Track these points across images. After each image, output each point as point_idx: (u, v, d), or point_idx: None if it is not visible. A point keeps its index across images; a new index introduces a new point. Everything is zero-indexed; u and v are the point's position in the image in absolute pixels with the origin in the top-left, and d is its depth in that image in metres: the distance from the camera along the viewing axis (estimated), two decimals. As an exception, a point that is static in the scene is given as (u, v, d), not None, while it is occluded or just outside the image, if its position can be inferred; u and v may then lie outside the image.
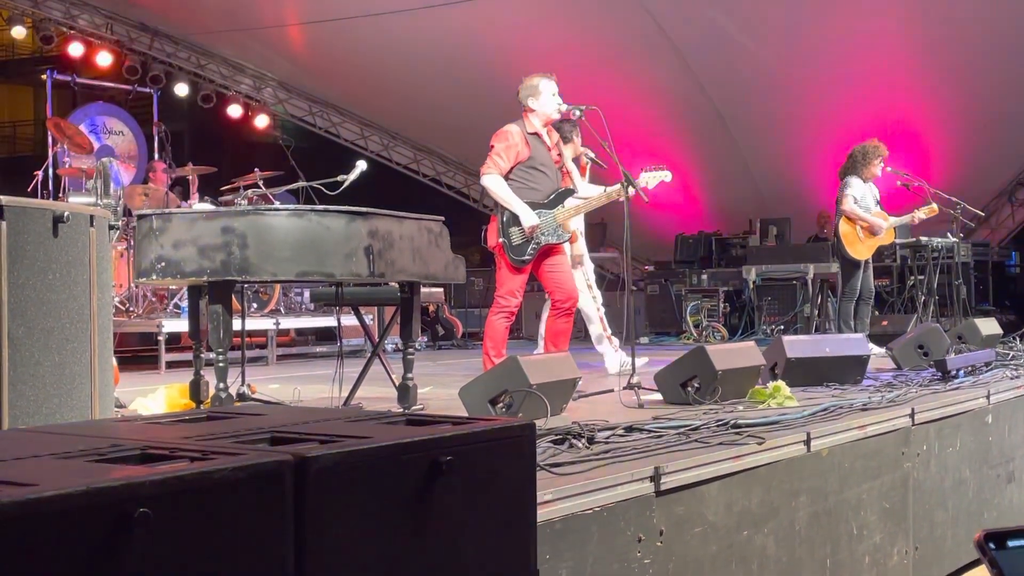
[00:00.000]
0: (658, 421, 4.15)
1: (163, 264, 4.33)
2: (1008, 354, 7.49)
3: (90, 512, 1.39)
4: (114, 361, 4.06)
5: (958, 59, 11.44)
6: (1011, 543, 1.16)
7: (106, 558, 1.40)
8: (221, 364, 4.46)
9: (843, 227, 8.68)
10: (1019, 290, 12.75)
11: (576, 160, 7.31)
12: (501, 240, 5.93)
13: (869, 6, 11.04)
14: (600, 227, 13.29)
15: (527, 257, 5.91)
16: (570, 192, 6.11)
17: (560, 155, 6.16)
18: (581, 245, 7.32)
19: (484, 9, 11.76)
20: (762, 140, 13.33)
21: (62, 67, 13.53)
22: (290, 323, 10.15)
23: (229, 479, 1.57)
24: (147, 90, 13.41)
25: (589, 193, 6.20)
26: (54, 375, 3.20)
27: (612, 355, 7.41)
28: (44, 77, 12.96)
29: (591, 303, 7.46)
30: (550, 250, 6.01)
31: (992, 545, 1.16)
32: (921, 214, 8.86)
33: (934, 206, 8.90)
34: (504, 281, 5.98)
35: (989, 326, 8.03)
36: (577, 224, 7.17)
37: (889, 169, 8.92)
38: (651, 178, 6.11)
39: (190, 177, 10.32)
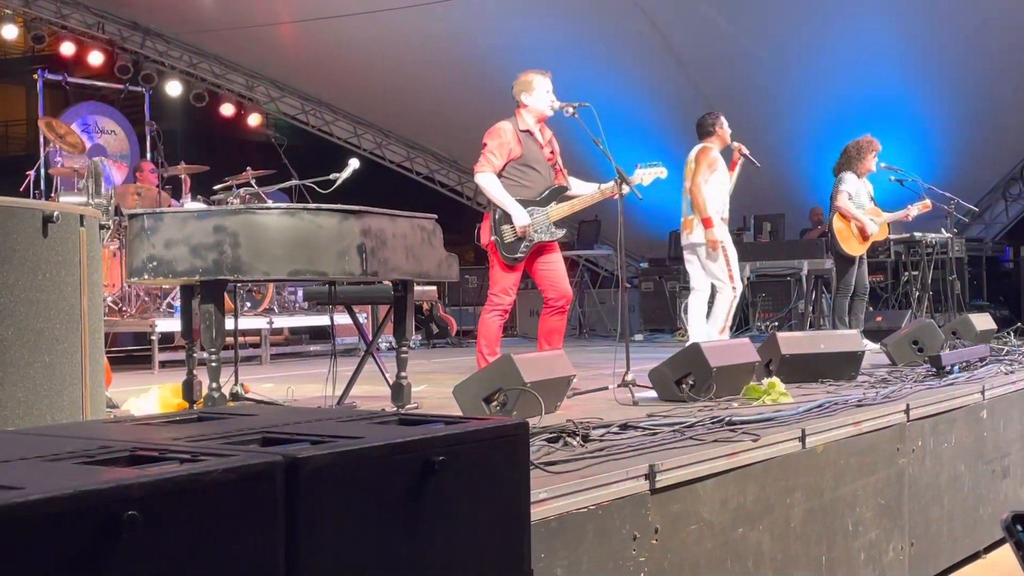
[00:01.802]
0: (653, 418, 4.14)
1: (155, 264, 4.31)
2: (1002, 349, 7.50)
3: (78, 515, 1.37)
4: (106, 361, 4.04)
5: (953, 55, 11.45)
6: None
7: (94, 562, 1.38)
8: (214, 364, 4.44)
9: (837, 223, 8.69)
10: (1013, 285, 12.76)
11: (728, 153, 7.57)
12: (493, 238, 5.91)
13: (864, 3, 11.04)
14: (594, 224, 13.29)
15: (520, 255, 5.89)
16: (563, 189, 6.09)
17: (554, 152, 6.14)
18: (723, 232, 7.48)
19: (478, 6, 11.75)
20: (755, 136, 13.28)
21: (54, 66, 13.49)
22: (284, 322, 10.13)
23: (219, 481, 1.55)
24: (139, 89, 13.37)
25: (583, 190, 6.19)
26: (45, 376, 3.18)
27: None
28: (36, 76, 12.91)
29: (730, 293, 7.52)
30: (543, 248, 6.00)
31: (1020, 527, 1.16)
32: (915, 209, 8.87)
33: (927, 201, 8.92)
34: (497, 279, 5.97)
35: (983, 321, 8.05)
36: (720, 209, 7.47)
37: (883, 165, 8.92)
38: (646, 174, 6.09)
39: (182, 176, 10.28)
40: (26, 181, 10.26)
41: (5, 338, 3.04)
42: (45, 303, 3.18)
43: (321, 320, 10.07)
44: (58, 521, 1.35)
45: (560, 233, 6.05)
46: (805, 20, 11.41)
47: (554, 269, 6.05)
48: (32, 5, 12.72)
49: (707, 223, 7.43)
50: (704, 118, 7.79)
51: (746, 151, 7.69)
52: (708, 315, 7.65)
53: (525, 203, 5.90)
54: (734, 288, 7.46)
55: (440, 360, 9.23)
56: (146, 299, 9.17)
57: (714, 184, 7.53)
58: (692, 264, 7.73)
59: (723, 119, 7.74)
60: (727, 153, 7.75)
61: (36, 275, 3.15)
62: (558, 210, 5.98)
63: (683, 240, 7.73)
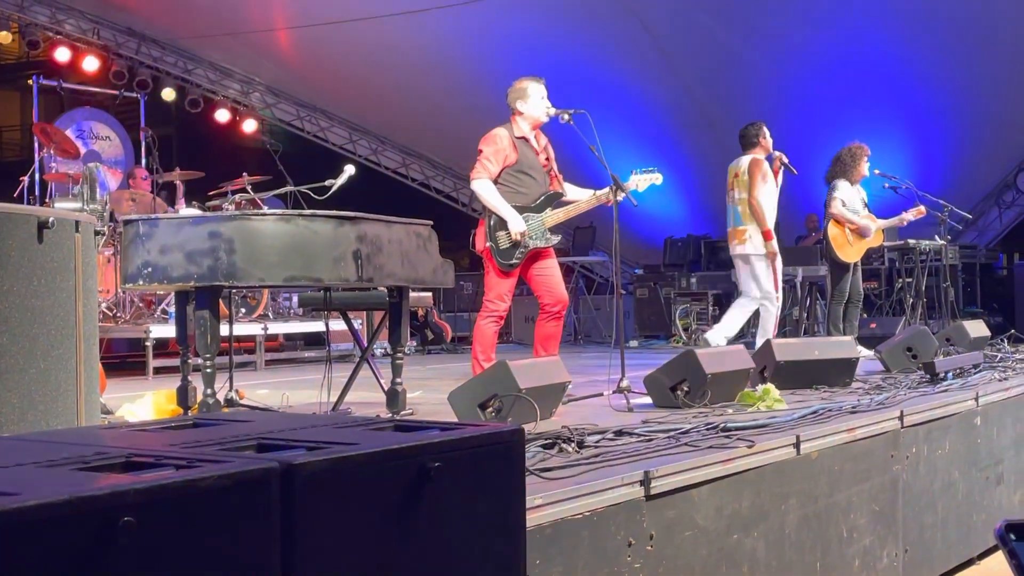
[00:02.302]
0: (648, 425, 4.15)
1: (150, 270, 4.31)
2: (996, 356, 7.51)
3: (74, 521, 1.38)
4: (100, 367, 4.04)
5: (946, 62, 11.48)
6: None
7: (90, 567, 1.39)
8: (209, 370, 4.44)
9: (832, 230, 8.71)
10: (1007, 292, 12.79)
11: (770, 162, 7.88)
12: (489, 244, 5.92)
13: (859, 8, 11.08)
14: (589, 230, 13.30)
15: (515, 261, 5.90)
16: (558, 195, 6.10)
17: (548, 159, 6.15)
18: (773, 243, 7.77)
19: (473, 13, 11.77)
20: (750, 143, 13.33)
21: (48, 72, 13.47)
22: (278, 328, 10.11)
23: (215, 487, 1.56)
24: (134, 95, 13.35)
25: (578, 196, 6.21)
26: (39, 382, 3.17)
27: None
28: (30, 82, 12.89)
29: (775, 304, 7.80)
30: (538, 254, 6.01)
31: (1013, 536, 1.17)
32: (909, 216, 8.90)
33: (921, 207, 8.95)
34: (492, 285, 5.98)
35: (977, 328, 8.06)
36: (770, 219, 7.74)
37: (877, 172, 8.95)
38: (641, 180, 6.10)
39: (176, 182, 10.29)
40: (20, 187, 10.23)
41: (0, 344, 3.04)
42: (40, 309, 3.18)
43: (316, 326, 10.06)
44: (54, 527, 1.35)
45: (555, 239, 6.06)
46: (800, 27, 11.44)
47: (550, 275, 6.06)
48: (27, 11, 12.71)
49: (768, 235, 7.70)
50: (748, 129, 8.01)
51: (786, 159, 7.92)
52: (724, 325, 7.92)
53: (520, 209, 5.91)
54: (778, 299, 7.74)
55: (435, 366, 9.23)
56: (140, 305, 9.16)
57: (765, 195, 7.78)
58: (743, 272, 7.95)
59: (765, 129, 7.94)
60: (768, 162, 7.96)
61: (31, 281, 3.15)
62: (553, 216, 6.00)
63: (733, 250, 7.94)
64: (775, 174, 7.90)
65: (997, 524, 1.16)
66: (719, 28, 11.65)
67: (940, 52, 11.37)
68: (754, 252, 7.76)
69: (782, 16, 11.37)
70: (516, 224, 5.86)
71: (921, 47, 11.42)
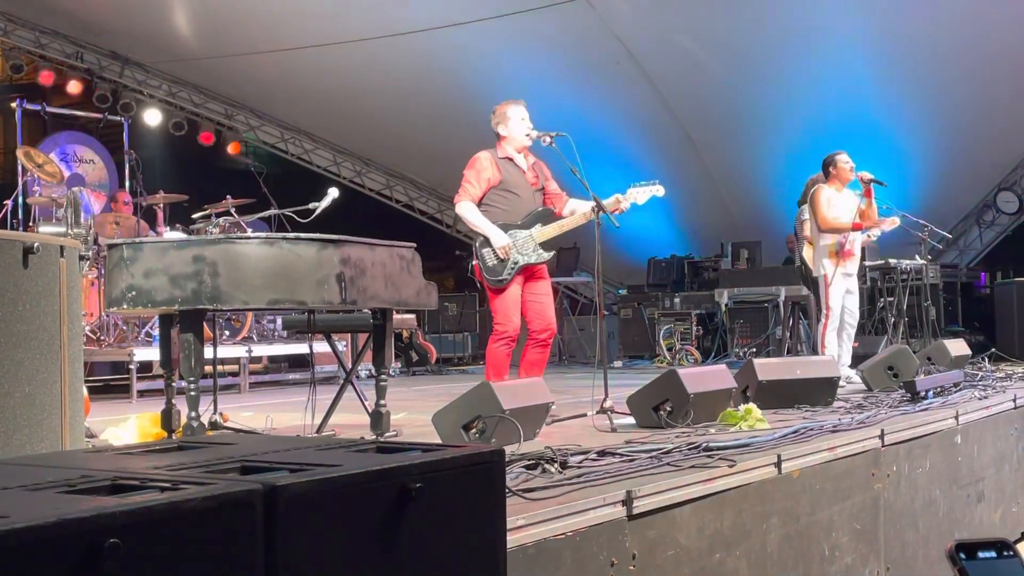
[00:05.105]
0: (630, 445, 4.17)
1: (134, 293, 4.32)
2: (977, 375, 7.57)
3: (61, 543, 1.39)
4: (85, 391, 4.04)
5: (927, 85, 11.59)
6: (981, 554, 1.20)
7: (76, 589, 1.40)
8: (193, 392, 4.45)
9: (808, 252, 8.75)
10: (988, 311, 12.87)
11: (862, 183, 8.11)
12: (476, 262, 5.93)
13: (838, 32, 11.19)
14: (573, 251, 13.35)
15: (505, 277, 5.84)
16: (548, 212, 6.04)
17: (538, 177, 6.11)
18: (832, 266, 7.94)
19: (456, 35, 11.84)
20: (732, 164, 13.44)
21: (32, 95, 13.44)
22: (262, 350, 10.11)
23: (199, 509, 1.57)
24: (118, 118, 13.35)
25: (583, 209, 6.06)
26: (24, 406, 3.18)
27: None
28: (14, 106, 12.86)
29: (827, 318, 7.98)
30: (534, 275, 5.95)
31: (963, 556, 1.20)
32: (877, 231, 8.94)
33: (895, 218, 8.98)
34: (495, 308, 5.91)
35: (958, 347, 8.12)
36: (829, 243, 7.95)
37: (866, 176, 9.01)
38: (641, 193, 6.02)
39: (159, 205, 10.29)
40: (3, 211, 10.21)
41: (-15, 368, 3.05)
42: (25, 334, 3.19)
43: (300, 348, 10.06)
44: (41, 549, 1.37)
45: (548, 255, 5.96)
46: (780, 49, 11.53)
47: (541, 300, 6.03)
48: (11, 35, 12.72)
49: (848, 254, 7.91)
50: (824, 160, 8.21)
51: (868, 176, 8.04)
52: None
53: (506, 227, 5.89)
54: (827, 316, 7.86)
55: (419, 388, 9.23)
56: (124, 328, 9.15)
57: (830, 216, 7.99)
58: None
59: (838, 157, 8.08)
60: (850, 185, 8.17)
61: (16, 306, 3.16)
62: (543, 232, 5.94)
63: None
64: (868, 193, 8.01)
65: (948, 545, 1.20)
66: (701, 51, 11.73)
67: (920, 74, 11.48)
68: (815, 273, 8.07)
69: (763, 41, 11.46)
70: (498, 239, 5.83)
71: (901, 71, 11.52)
